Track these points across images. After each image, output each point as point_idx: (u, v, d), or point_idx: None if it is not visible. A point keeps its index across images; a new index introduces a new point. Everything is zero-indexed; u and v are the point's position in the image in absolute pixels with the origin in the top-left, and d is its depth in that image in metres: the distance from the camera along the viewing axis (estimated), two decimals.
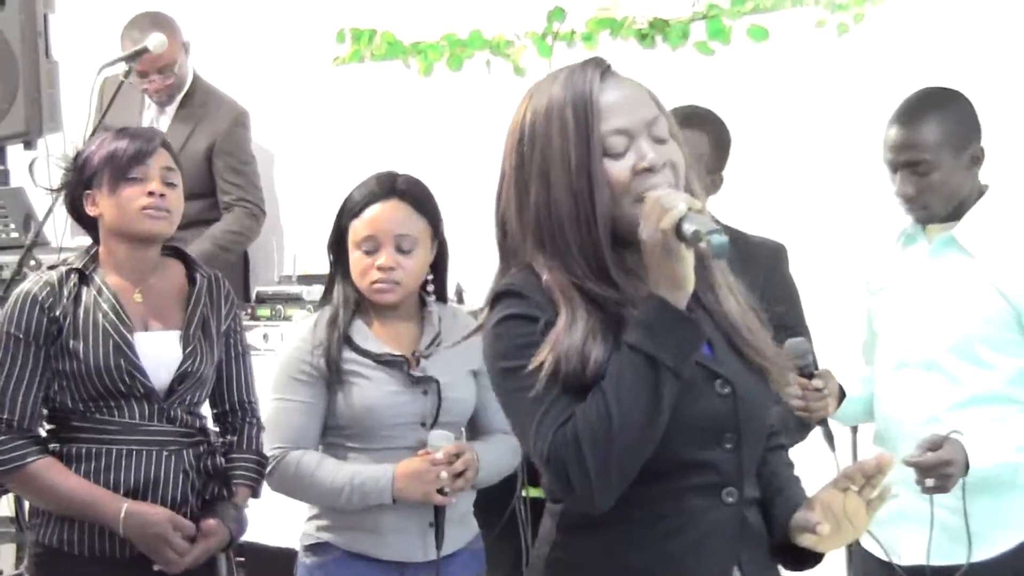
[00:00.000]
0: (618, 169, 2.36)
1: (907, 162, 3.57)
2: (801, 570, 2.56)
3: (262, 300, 5.62)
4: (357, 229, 3.60)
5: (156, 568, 3.44)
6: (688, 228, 2.24)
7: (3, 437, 3.41)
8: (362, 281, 3.60)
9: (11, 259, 4.68)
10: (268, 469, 3.62)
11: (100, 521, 3.42)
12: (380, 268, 3.57)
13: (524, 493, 4.29)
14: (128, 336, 3.45)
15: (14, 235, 5.21)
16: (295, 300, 5.63)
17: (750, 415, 2.42)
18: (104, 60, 5.23)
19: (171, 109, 6.09)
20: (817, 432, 3.62)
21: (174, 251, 3.69)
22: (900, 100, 3.65)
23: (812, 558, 2.52)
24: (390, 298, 3.61)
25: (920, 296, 3.61)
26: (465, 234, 5.68)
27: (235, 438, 3.66)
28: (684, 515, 2.37)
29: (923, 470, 3.34)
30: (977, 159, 3.61)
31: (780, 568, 2.57)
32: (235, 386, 3.71)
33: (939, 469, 3.35)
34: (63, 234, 4.78)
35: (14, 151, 5.57)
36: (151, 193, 3.50)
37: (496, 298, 2.41)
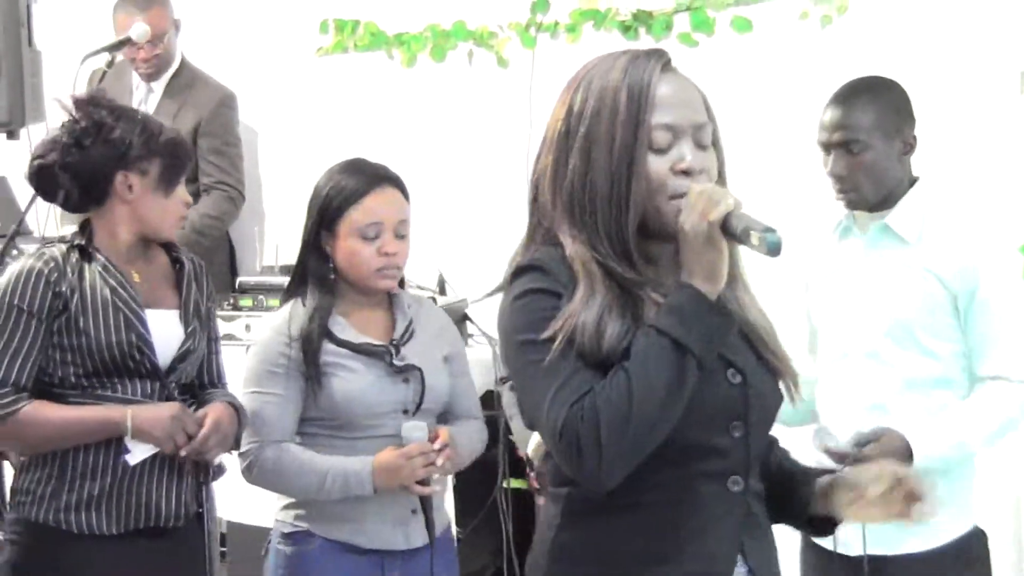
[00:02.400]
0: (657, 164, 2.39)
1: (840, 142, 3.65)
2: (823, 535, 2.65)
3: (244, 290, 5.61)
4: (356, 218, 3.60)
5: (183, 453, 3.48)
6: (737, 224, 2.28)
7: None
8: (362, 269, 3.60)
9: None
10: (245, 463, 3.62)
11: (110, 428, 3.44)
12: (386, 254, 3.58)
13: (505, 484, 4.30)
14: (139, 311, 3.49)
15: None
16: (277, 290, 5.59)
17: (759, 405, 2.45)
18: (88, 49, 5.23)
19: (159, 87, 6.08)
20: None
21: None
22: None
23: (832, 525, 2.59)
24: (392, 284, 3.64)
25: (858, 286, 3.68)
26: (447, 225, 5.70)
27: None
28: (691, 501, 2.39)
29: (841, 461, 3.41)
30: (910, 146, 3.69)
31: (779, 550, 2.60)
32: (215, 368, 3.76)
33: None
34: (45, 224, 4.78)
35: None
36: (187, 203, 3.62)
37: (518, 272, 2.42)
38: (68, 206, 3.61)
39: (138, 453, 3.48)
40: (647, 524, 2.39)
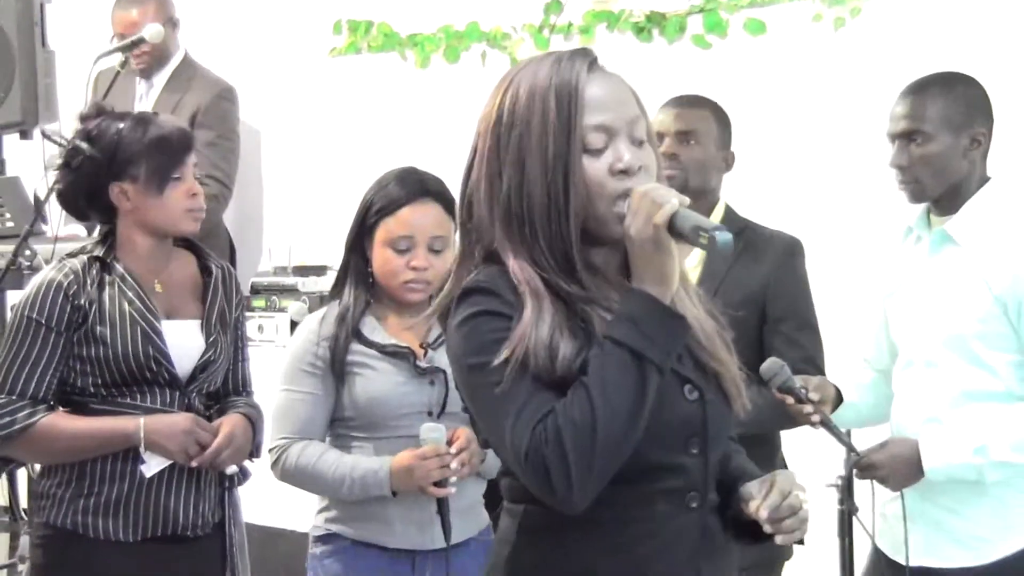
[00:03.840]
0: (595, 167, 2.32)
1: (904, 132, 3.55)
2: (754, 543, 2.48)
3: (257, 291, 5.62)
4: (391, 227, 3.59)
5: (194, 464, 3.49)
6: (685, 224, 2.21)
7: (10, 407, 3.43)
8: (392, 279, 3.60)
9: (7, 248, 4.67)
10: (273, 459, 3.63)
11: (123, 440, 3.44)
12: (415, 268, 3.59)
13: None
14: (156, 323, 3.50)
15: (9, 224, 5.20)
16: (290, 291, 5.63)
17: (716, 420, 2.40)
18: (100, 49, 5.23)
19: (159, 82, 6.06)
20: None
21: (184, 241, 3.71)
22: (896, 93, 3.66)
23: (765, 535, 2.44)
24: (419, 298, 3.62)
25: (921, 294, 3.58)
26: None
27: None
28: (651, 520, 2.35)
29: (859, 469, 3.45)
30: (977, 143, 3.56)
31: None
32: (240, 375, 3.77)
33: (868, 471, 3.46)
34: (59, 224, 4.78)
35: (10, 141, 5.56)
36: (193, 195, 3.58)
37: (465, 293, 2.35)
38: (99, 222, 3.64)
39: (153, 465, 3.49)
40: (607, 544, 2.35)
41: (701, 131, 3.97)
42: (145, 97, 6.07)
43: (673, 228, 2.23)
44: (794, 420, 3.52)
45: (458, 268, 2.42)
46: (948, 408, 3.49)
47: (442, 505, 3.52)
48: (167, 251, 3.62)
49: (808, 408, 3.42)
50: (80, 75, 5.21)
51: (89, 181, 3.53)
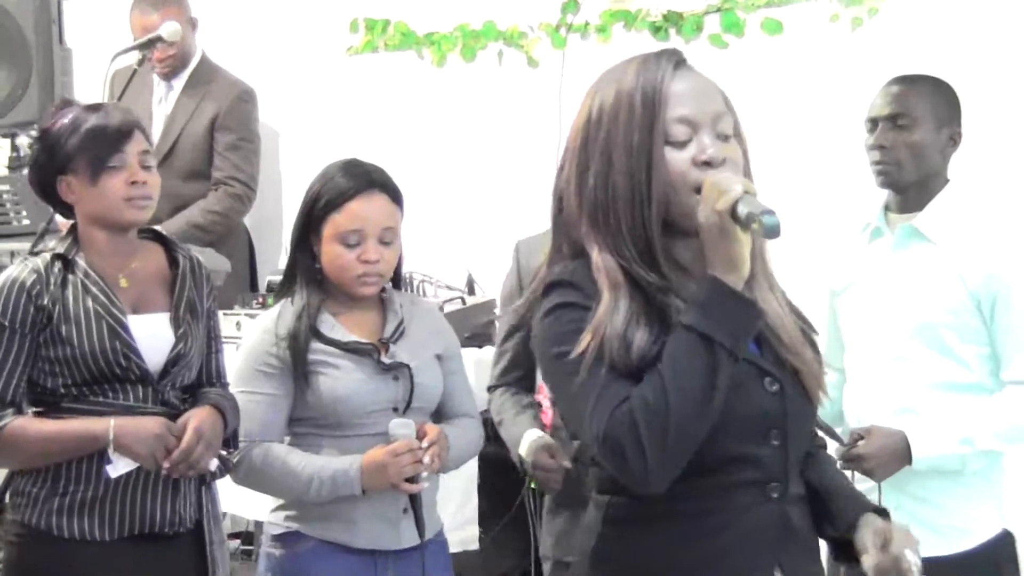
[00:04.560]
0: (678, 159, 2.38)
1: (890, 115, 3.66)
2: (851, 562, 2.56)
3: (272, 289, 5.61)
4: (339, 222, 3.57)
5: (166, 468, 3.42)
6: (743, 210, 2.27)
7: None
8: (343, 274, 3.58)
9: (23, 246, 4.67)
10: (233, 462, 3.60)
11: (91, 443, 3.39)
12: (366, 261, 3.56)
13: (532, 485, 4.29)
14: (121, 318, 3.44)
15: (26, 222, 5.21)
16: None
17: (797, 413, 2.44)
18: (117, 48, 5.24)
19: (178, 84, 6.09)
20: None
21: (152, 233, 3.67)
22: None
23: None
24: (372, 291, 3.61)
25: (885, 288, 3.65)
26: (476, 226, 5.70)
27: None
28: (730, 511, 2.39)
29: (843, 460, 3.49)
30: (953, 142, 3.69)
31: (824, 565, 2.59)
32: (213, 367, 3.70)
33: (855, 462, 3.50)
34: None
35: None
36: (133, 182, 3.48)
37: (549, 288, 2.43)
38: (65, 217, 3.62)
39: (120, 466, 3.42)
40: (687, 535, 2.39)
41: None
42: (165, 100, 6.10)
43: (735, 214, 2.28)
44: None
45: (549, 263, 2.49)
46: (921, 399, 3.59)
47: (414, 501, 3.51)
48: (130, 244, 3.57)
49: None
50: (97, 73, 5.22)
51: (40, 176, 3.53)
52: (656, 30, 5.62)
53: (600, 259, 2.39)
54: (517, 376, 4.13)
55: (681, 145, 2.39)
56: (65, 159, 3.47)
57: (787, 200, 4.94)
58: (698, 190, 2.35)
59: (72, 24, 5.39)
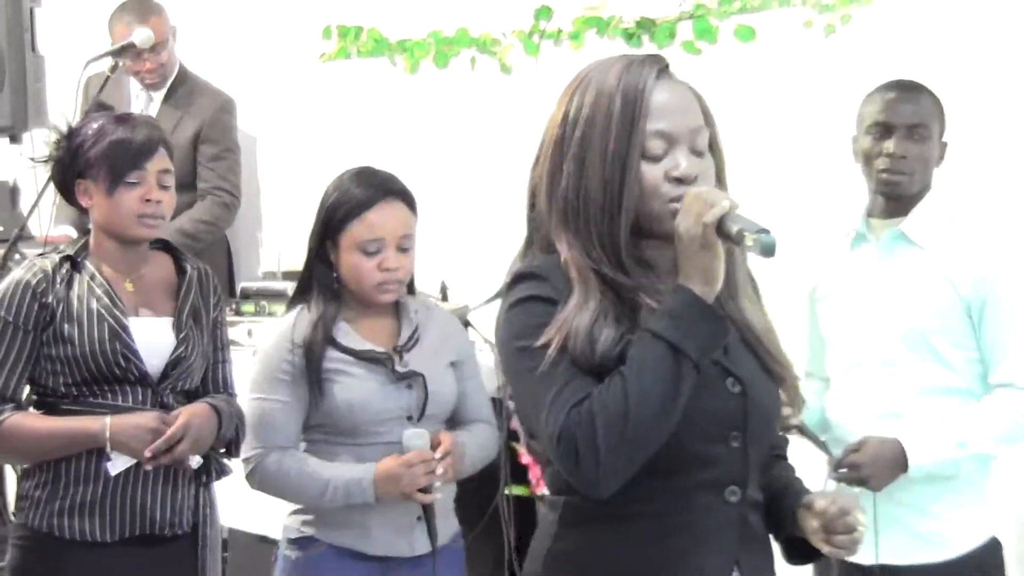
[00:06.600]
0: (651, 172, 2.38)
1: (911, 124, 3.63)
2: (804, 563, 2.58)
3: (247, 296, 5.62)
4: (359, 231, 3.57)
5: (148, 458, 3.43)
6: (732, 226, 2.27)
7: None
8: (363, 283, 3.59)
9: None
10: (248, 469, 3.61)
11: (87, 439, 3.42)
12: (386, 269, 3.57)
13: (507, 491, 4.29)
14: (123, 319, 3.47)
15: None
16: (279, 296, 5.62)
17: (758, 416, 2.44)
18: (90, 54, 5.22)
19: (158, 96, 6.08)
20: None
21: (162, 244, 3.70)
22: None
23: (815, 552, 2.52)
24: (392, 298, 3.62)
25: (872, 293, 3.65)
26: (449, 232, 5.70)
27: None
28: (688, 512, 2.39)
29: (838, 471, 3.48)
30: (943, 150, 3.70)
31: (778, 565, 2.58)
32: (220, 376, 3.72)
33: (851, 472, 3.49)
34: (48, 227, 4.77)
35: None
36: (147, 200, 3.52)
37: (516, 279, 2.43)
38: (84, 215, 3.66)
39: (119, 463, 3.46)
40: (644, 536, 2.39)
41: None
42: (145, 111, 6.07)
43: (721, 229, 2.28)
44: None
45: (520, 256, 2.49)
46: (906, 404, 3.59)
47: (427, 511, 3.52)
48: (140, 253, 3.61)
49: (787, 411, 3.45)
50: (70, 80, 5.20)
51: (60, 175, 3.57)
52: (629, 37, 5.62)
53: (570, 257, 2.38)
54: None
55: (656, 159, 2.39)
56: (85, 165, 3.51)
57: (762, 206, 4.96)
58: (668, 200, 2.36)
59: (44, 31, 5.36)
